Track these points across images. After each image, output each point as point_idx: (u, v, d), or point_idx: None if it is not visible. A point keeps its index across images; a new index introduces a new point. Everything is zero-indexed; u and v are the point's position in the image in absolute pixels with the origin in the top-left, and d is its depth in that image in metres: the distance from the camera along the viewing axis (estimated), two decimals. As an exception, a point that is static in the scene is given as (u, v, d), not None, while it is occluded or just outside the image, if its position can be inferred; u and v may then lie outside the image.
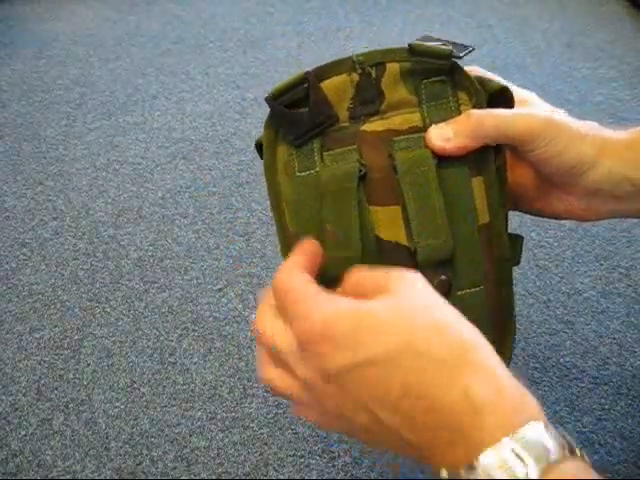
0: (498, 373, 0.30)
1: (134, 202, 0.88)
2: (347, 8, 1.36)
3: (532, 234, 0.80)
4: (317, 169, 0.42)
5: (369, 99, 0.42)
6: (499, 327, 0.43)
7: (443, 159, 0.41)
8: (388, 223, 0.41)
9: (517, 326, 0.69)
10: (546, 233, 0.80)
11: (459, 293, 0.42)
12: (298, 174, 0.43)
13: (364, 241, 0.41)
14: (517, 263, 0.47)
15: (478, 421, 0.28)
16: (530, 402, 0.30)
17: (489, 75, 0.46)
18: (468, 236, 0.41)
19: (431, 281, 0.38)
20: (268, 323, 0.35)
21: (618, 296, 0.72)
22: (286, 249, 0.43)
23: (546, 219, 0.82)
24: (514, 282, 0.74)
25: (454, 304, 0.36)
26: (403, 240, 0.41)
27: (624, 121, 0.96)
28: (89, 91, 1.12)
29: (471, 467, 0.27)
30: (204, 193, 0.89)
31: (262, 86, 1.11)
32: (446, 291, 0.41)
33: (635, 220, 0.81)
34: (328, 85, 0.42)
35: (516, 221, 0.81)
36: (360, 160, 0.41)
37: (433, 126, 0.41)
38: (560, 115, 0.44)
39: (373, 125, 0.42)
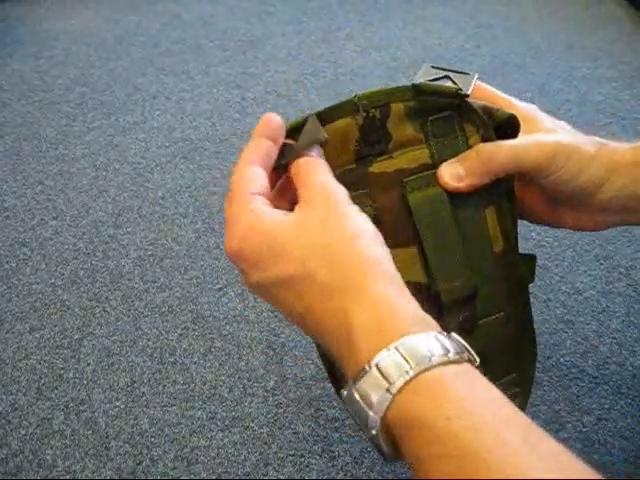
0: (376, 295, 0.32)
1: (134, 202, 0.88)
2: (347, 8, 1.36)
3: (532, 234, 0.80)
4: None
5: (375, 140, 0.42)
6: (519, 347, 0.44)
7: (455, 195, 0.41)
8: (406, 264, 0.40)
9: (517, 326, 0.69)
10: (546, 233, 0.80)
11: (482, 322, 0.42)
12: None
13: None
14: (532, 281, 0.47)
15: (355, 343, 0.31)
16: (412, 316, 0.32)
17: (492, 91, 0.45)
18: (487, 267, 0.41)
19: (456, 317, 0.40)
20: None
21: (618, 295, 0.72)
22: None
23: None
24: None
25: (478, 334, 0.38)
26: (423, 279, 0.41)
27: (624, 121, 0.96)
28: (89, 91, 1.12)
29: (358, 375, 0.30)
30: (204, 193, 0.89)
31: (262, 86, 1.11)
32: (470, 324, 0.41)
33: (635, 220, 0.81)
34: (332, 128, 0.41)
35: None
36: (372, 205, 0.41)
37: (444, 165, 0.41)
38: (565, 132, 0.43)
39: (382, 166, 0.41)
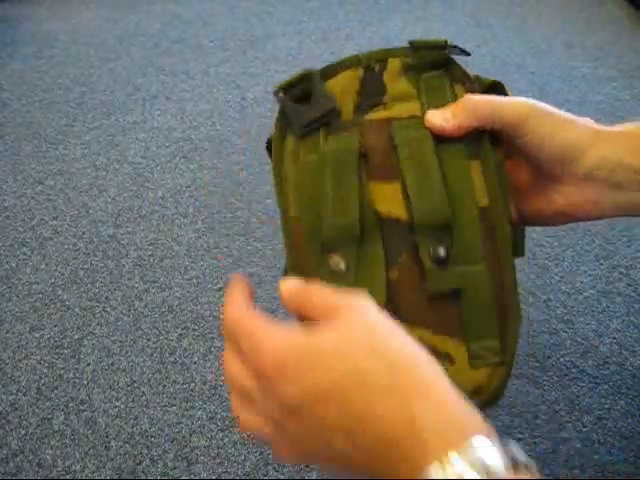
0: (441, 392, 0.30)
1: (134, 201, 0.88)
2: (347, 8, 1.36)
3: (532, 234, 0.80)
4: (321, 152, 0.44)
5: (372, 92, 0.45)
6: (502, 312, 0.42)
7: (441, 141, 0.42)
8: (387, 198, 0.42)
9: (517, 325, 0.69)
10: (546, 232, 0.80)
11: (458, 268, 0.41)
12: (303, 159, 0.45)
13: (362, 212, 0.41)
14: (521, 254, 0.46)
15: (421, 441, 0.28)
16: (473, 416, 0.30)
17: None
18: (467, 213, 0.42)
19: (428, 249, 0.40)
20: (232, 364, 0.34)
21: (618, 295, 0.72)
22: (288, 236, 0.43)
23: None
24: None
25: (456, 281, 0.38)
26: (402, 215, 0.41)
27: (623, 121, 0.96)
28: (89, 90, 1.12)
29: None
30: (204, 192, 0.89)
31: (262, 86, 1.11)
32: (443, 261, 0.41)
33: (635, 220, 0.81)
34: (335, 82, 0.45)
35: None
36: (362, 142, 0.43)
37: (432, 110, 0.43)
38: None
39: (376, 114, 0.44)
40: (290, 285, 0.36)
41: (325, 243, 0.41)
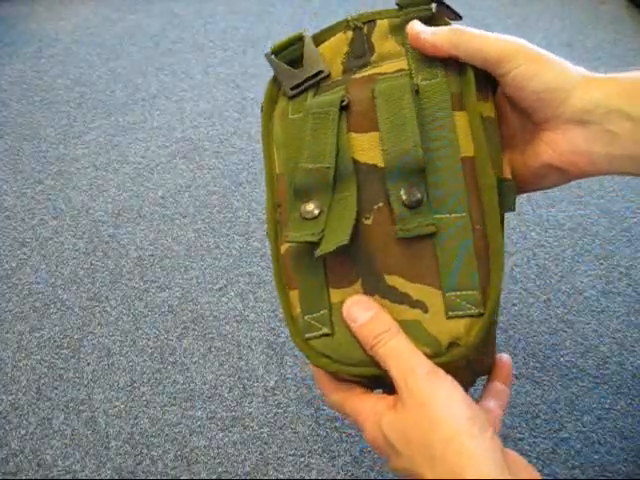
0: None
1: (134, 201, 0.88)
2: (347, 8, 1.36)
3: (532, 234, 0.80)
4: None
5: (361, 53, 0.46)
6: (485, 263, 0.40)
7: (426, 91, 0.42)
8: (366, 147, 0.42)
9: (516, 325, 0.69)
10: (546, 232, 0.80)
11: (438, 216, 0.40)
12: (290, 117, 0.46)
13: (340, 159, 0.41)
14: (512, 209, 0.44)
15: None
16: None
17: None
18: (447, 160, 0.41)
19: (398, 193, 0.39)
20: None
21: (618, 295, 0.72)
22: (271, 192, 0.45)
23: (545, 219, 0.82)
24: (514, 281, 0.74)
25: (429, 227, 0.38)
26: (379, 162, 0.41)
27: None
28: (89, 90, 1.12)
29: None
30: (204, 192, 0.89)
31: (262, 86, 1.11)
32: (415, 205, 0.40)
33: (635, 219, 0.81)
34: (326, 46, 0.47)
35: (516, 220, 0.81)
36: (346, 95, 0.43)
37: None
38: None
39: (363, 73, 0.45)
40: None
41: (299, 189, 0.42)
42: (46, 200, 0.88)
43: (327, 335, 0.41)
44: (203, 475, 0.57)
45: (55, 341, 0.69)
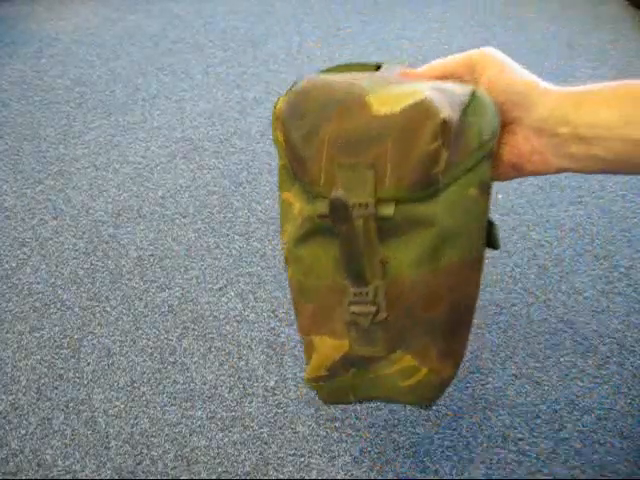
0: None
1: (134, 201, 0.88)
2: (347, 8, 1.37)
3: (532, 234, 0.80)
4: None
5: None
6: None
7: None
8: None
9: (516, 325, 0.69)
10: (546, 233, 0.80)
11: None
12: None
13: None
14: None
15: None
16: None
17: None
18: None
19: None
20: None
21: (618, 295, 0.72)
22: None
23: (545, 219, 0.82)
24: (514, 281, 0.74)
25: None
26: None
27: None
28: (89, 90, 1.12)
29: None
30: (204, 192, 0.89)
31: (262, 86, 1.11)
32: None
33: (635, 219, 0.81)
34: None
35: (516, 220, 0.81)
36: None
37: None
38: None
39: None
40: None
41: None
42: (46, 200, 0.88)
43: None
44: (203, 475, 0.57)
45: (55, 341, 0.69)
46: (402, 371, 0.44)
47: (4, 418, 0.62)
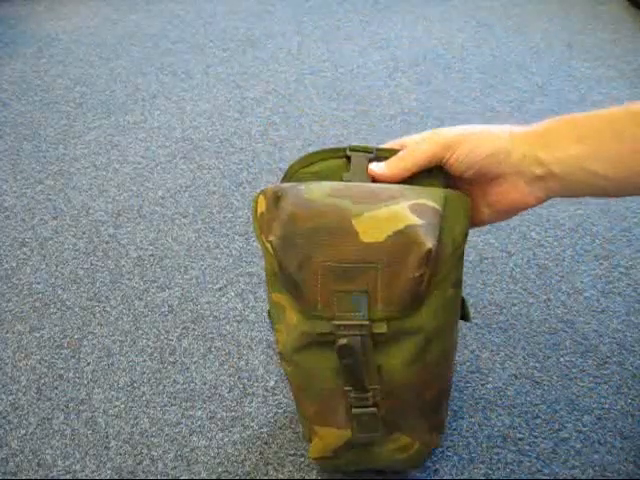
0: None
1: (134, 201, 0.88)
2: (347, 8, 1.37)
3: (532, 233, 0.80)
4: None
5: None
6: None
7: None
8: None
9: (516, 325, 0.69)
10: (546, 232, 0.80)
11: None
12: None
13: None
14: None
15: None
16: None
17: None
18: None
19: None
20: None
21: (618, 295, 0.72)
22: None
23: (545, 219, 0.82)
24: (514, 281, 0.74)
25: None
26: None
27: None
28: (89, 90, 1.12)
29: None
30: (204, 192, 0.89)
31: (262, 86, 1.11)
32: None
33: (635, 219, 0.81)
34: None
35: (516, 220, 0.81)
36: None
37: (372, 164, 0.49)
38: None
39: None
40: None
41: None
42: (46, 200, 0.88)
43: None
44: (203, 475, 0.57)
45: (55, 341, 0.69)
46: (398, 448, 0.50)
47: (4, 418, 0.62)
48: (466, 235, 0.46)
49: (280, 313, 0.47)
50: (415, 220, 0.42)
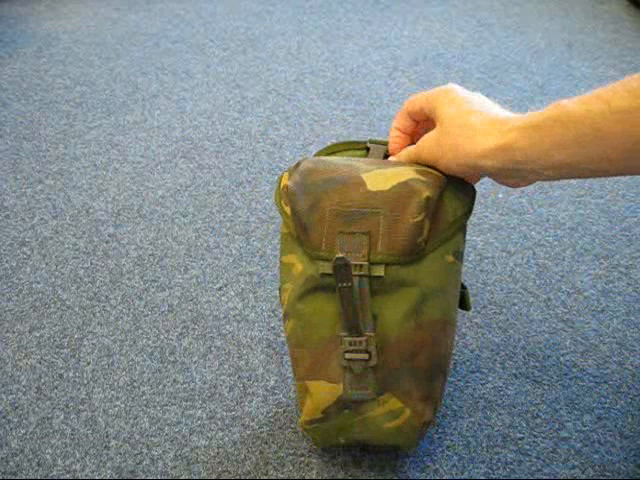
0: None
1: (134, 201, 0.88)
2: (347, 7, 1.37)
3: (532, 233, 0.80)
4: None
5: None
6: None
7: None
8: None
9: (516, 325, 0.69)
10: (546, 232, 0.80)
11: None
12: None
13: None
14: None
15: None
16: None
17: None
18: None
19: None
20: None
21: (618, 295, 0.72)
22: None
23: (545, 218, 0.82)
24: (514, 280, 0.74)
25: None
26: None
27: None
28: (89, 90, 1.12)
29: None
30: (204, 192, 0.89)
31: (262, 86, 1.11)
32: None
33: (635, 219, 0.81)
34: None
35: (516, 220, 0.81)
36: None
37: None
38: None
39: None
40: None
41: None
42: (46, 199, 0.88)
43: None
44: (203, 475, 0.57)
45: (55, 340, 0.69)
46: (388, 413, 0.50)
47: (4, 418, 0.62)
48: (467, 215, 0.48)
49: (288, 271, 0.50)
50: (419, 176, 0.46)
